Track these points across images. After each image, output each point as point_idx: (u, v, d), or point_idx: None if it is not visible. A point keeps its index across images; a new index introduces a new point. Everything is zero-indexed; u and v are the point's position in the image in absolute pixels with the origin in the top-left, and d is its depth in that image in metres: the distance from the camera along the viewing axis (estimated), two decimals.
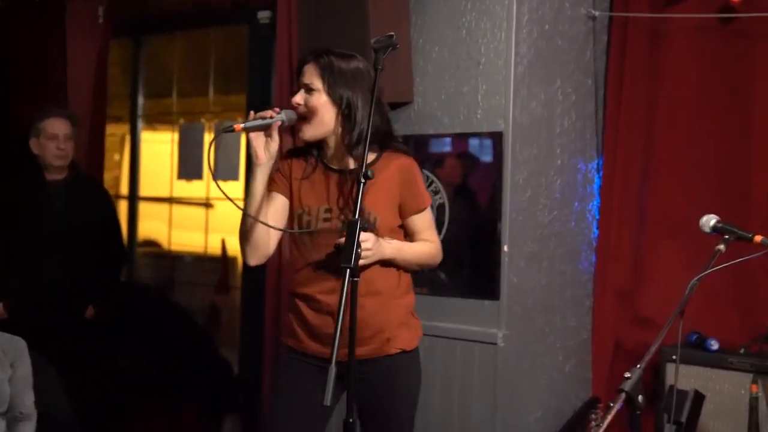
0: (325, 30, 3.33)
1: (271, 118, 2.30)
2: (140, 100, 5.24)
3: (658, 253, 3.54)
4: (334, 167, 2.38)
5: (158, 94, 5.34)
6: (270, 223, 2.36)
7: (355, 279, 2.05)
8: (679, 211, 3.48)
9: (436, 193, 3.38)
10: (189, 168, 4.97)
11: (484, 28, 3.31)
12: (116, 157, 5.46)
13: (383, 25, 3.23)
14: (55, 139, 3.83)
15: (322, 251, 2.35)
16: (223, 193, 2.23)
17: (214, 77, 5.03)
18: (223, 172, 4.77)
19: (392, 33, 2.25)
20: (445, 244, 3.29)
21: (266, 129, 2.30)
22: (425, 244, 2.45)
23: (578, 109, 3.53)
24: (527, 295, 3.34)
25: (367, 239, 2.26)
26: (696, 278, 2.19)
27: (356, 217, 2.07)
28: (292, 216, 2.42)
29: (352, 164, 2.36)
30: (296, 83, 2.37)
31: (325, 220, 2.35)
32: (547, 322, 3.43)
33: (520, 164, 3.29)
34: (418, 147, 3.48)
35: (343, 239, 2.20)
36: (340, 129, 2.35)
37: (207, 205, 5.02)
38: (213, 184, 4.93)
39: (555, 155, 3.44)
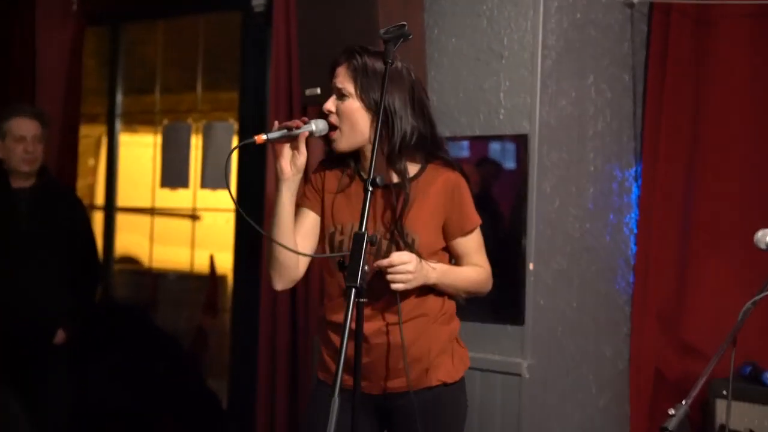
0: (329, 18, 3.33)
1: (298, 128, 2.29)
2: (119, 97, 5.25)
3: (705, 272, 3.51)
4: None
5: (139, 89, 5.36)
6: (299, 242, 2.36)
7: (362, 300, 2.05)
8: (730, 224, 3.45)
9: None
10: (173, 175, 4.97)
11: (508, 17, 3.31)
12: (91, 161, 5.47)
13: (394, 12, 3.23)
14: (22, 141, 3.83)
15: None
16: (247, 218, 2.20)
17: (202, 71, 5.05)
18: (212, 179, 4.78)
19: (404, 23, 2.25)
20: None
21: (292, 140, 2.29)
22: (474, 269, 2.43)
23: (614, 108, 3.53)
24: (556, 319, 3.32)
25: (409, 260, 2.26)
26: (750, 301, 2.17)
27: (362, 229, 2.07)
28: (323, 234, 2.42)
29: (395, 177, 2.35)
30: (330, 87, 2.37)
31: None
32: (579, 349, 3.42)
33: (548, 170, 3.28)
34: None
35: (384, 260, 2.23)
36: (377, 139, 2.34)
37: (193, 216, 5.03)
38: (200, 193, 4.94)
39: (587, 161, 3.43)
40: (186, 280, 5.14)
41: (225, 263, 4.82)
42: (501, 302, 3.29)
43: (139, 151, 5.24)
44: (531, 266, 3.23)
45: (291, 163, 2.30)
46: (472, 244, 2.42)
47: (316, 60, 3.45)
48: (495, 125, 3.33)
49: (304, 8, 3.47)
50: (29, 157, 3.84)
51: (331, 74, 2.38)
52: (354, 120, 2.33)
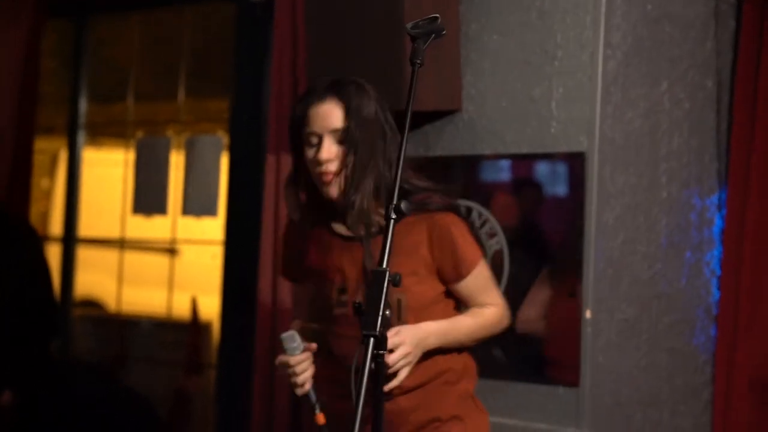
0: (344, 11, 3.38)
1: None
2: (82, 105, 5.30)
3: None
4: (341, 233, 2.58)
5: (108, 96, 5.41)
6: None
7: (382, 352, 2.10)
8: None
9: (491, 236, 3.41)
10: (148, 199, 5.00)
11: (563, 10, 3.35)
12: (45, 182, 5.52)
13: (423, 2, 3.29)
14: None
15: (344, 345, 2.53)
16: None
17: (185, 74, 5.09)
18: (196, 205, 4.81)
19: (436, 15, 2.31)
20: None
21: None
22: (480, 313, 2.62)
23: (693, 121, 3.55)
24: (620, 380, 3.33)
25: (401, 341, 2.41)
26: None
27: (384, 266, 2.11)
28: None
29: (362, 228, 2.52)
30: (303, 120, 2.51)
31: (340, 304, 2.57)
32: (648, 420, 3.41)
33: (611, 198, 3.31)
34: (466, 173, 3.51)
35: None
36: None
37: (172, 250, 5.05)
38: (181, 221, 4.95)
39: (660, 186, 3.45)
40: (162, 329, 5.14)
41: (210, 308, 4.84)
42: (551, 358, 3.32)
43: (107, 171, 5.28)
44: (588, 314, 3.25)
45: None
46: (474, 284, 2.60)
47: (327, 61, 3.50)
48: (546, 142, 3.36)
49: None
50: None
51: (309, 109, 2.51)
52: (345, 163, 2.51)
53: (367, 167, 2.47)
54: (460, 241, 2.55)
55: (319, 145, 2.48)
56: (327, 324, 2.57)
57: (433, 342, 2.50)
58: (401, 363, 2.41)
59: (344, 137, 2.47)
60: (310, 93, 2.54)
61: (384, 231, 2.16)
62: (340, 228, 2.56)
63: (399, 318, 2.50)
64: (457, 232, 2.55)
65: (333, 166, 2.47)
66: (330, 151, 2.47)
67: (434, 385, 2.56)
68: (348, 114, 2.48)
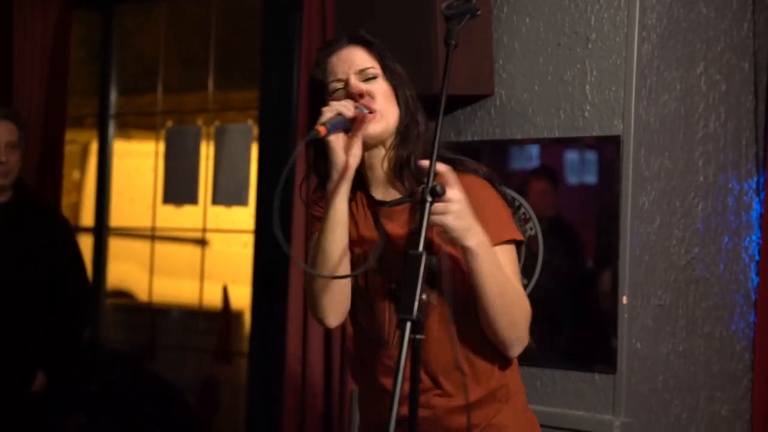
0: None
1: (356, 109, 2.26)
2: (112, 96, 5.33)
3: None
4: (380, 198, 2.39)
5: (137, 87, 5.43)
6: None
7: (419, 337, 2.04)
8: None
9: (525, 221, 3.38)
10: (178, 189, 5.02)
11: None
12: (75, 174, 5.54)
13: None
14: None
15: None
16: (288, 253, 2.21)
17: (214, 64, 5.10)
18: (227, 194, 4.82)
19: None
20: (538, 293, 3.34)
21: (347, 126, 2.27)
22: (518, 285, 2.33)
23: (730, 104, 3.51)
24: (656, 367, 3.30)
25: (456, 198, 2.12)
26: None
27: (420, 249, 2.06)
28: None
29: (396, 193, 2.36)
30: (323, 72, 2.35)
31: (377, 272, 2.36)
32: (686, 406, 3.39)
33: (646, 182, 3.27)
34: (497, 157, 3.48)
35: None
36: (394, 139, 2.36)
37: (202, 240, 5.07)
38: (211, 211, 4.97)
39: (696, 169, 3.42)
40: (193, 318, 5.17)
41: (241, 298, 4.85)
42: (586, 345, 3.29)
43: (137, 161, 5.31)
44: (625, 300, 3.22)
45: (349, 153, 2.27)
46: (510, 258, 2.31)
47: None
48: (579, 125, 3.33)
49: None
50: (2, 169, 3.93)
51: (329, 58, 2.34)
52: (390, 103, 2.33)
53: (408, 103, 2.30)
54: (499, 206, 2.33)
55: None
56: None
57: (474, 239, 2.17)
58: (442, 209, 2.12)
59: (378, 72, 2.31)
60: (326, 46, 2.38)
61: (420, 212, 2.10)
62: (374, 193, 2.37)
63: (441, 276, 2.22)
64: (494, 198, 2.33)
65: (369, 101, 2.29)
66: (357, 86, 2.28)
67: (486, 401, 2.34)
68: (374, 51, 2.33)
